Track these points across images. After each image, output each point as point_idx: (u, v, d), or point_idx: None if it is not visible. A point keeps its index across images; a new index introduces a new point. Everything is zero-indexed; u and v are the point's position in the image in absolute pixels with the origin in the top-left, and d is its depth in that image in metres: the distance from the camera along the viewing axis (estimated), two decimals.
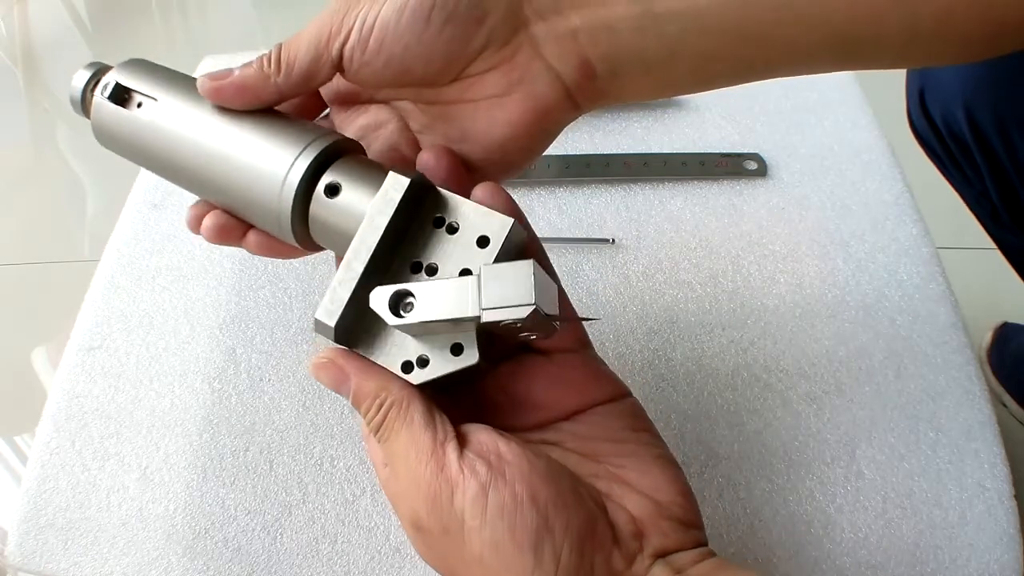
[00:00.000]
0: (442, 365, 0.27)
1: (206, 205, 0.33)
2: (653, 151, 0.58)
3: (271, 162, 0.30)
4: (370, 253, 0.27)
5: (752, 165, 0.56)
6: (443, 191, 0.28)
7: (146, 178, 0.58)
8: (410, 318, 0.26)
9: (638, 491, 0.28)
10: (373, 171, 0.30)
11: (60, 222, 1.32)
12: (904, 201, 0.54)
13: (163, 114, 0.32)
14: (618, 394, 0.31)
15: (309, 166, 0.29)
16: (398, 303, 0.26)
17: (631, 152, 0.58)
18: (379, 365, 0.28)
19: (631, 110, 0.61)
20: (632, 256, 0.51)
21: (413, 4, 0.28)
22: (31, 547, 0.41)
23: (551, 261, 0.31)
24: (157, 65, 0.35)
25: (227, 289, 0.51)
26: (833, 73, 0.64)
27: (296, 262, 0.51)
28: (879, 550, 0.39)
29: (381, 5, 0.29)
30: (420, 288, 0.26)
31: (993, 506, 0.40)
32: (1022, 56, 0.48)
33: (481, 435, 0.27)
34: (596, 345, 0.48)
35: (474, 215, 0.28)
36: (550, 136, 0.33)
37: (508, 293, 0.24)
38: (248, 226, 0.33)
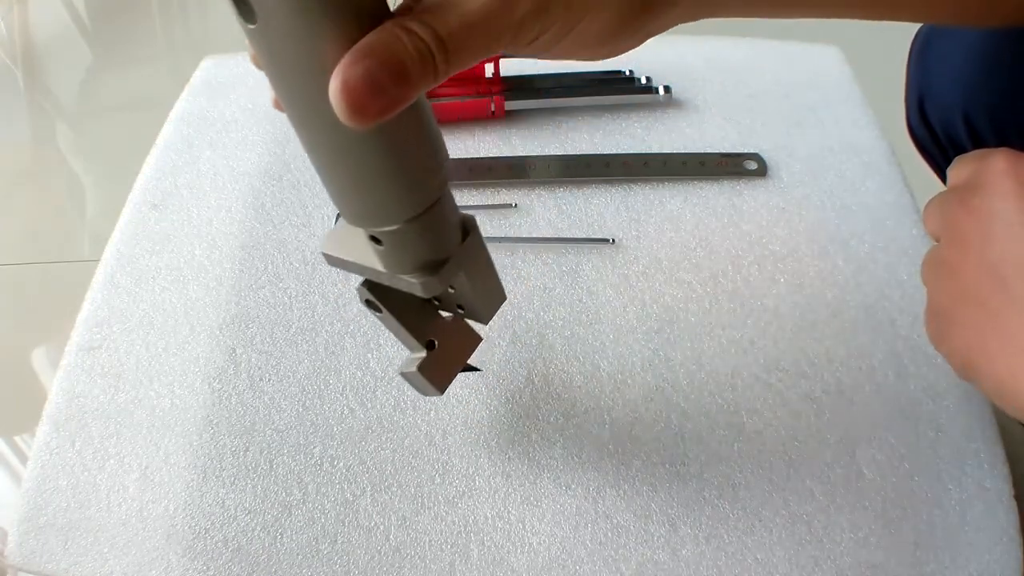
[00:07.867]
0: None
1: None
2: (653, 151, 0.58)
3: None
4: None
5: (752, 165, 0.56)
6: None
7: (146, 178, 0.58)
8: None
9: None
10: None
11: (60, 222, 1.32)
12: (904, 201, 0.54)
13: None
14: None
15: None
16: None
17: (631, 152, 0.58)
18: None
19: (631, 110, 0.61)
20: (632, 256, 0.51)
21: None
22: (31, 547, 0.41)
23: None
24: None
25: (227, 289, 0.51)
26: (833, 73, 0.64)
27: (296, 263, 0.51)
28: (879, 550, 0.39)
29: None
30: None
31: (993, 506, 0.40)
32: (1020, 64, 0.48)
33: None
34: (596, 345, 0.48)
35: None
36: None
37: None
38: None
